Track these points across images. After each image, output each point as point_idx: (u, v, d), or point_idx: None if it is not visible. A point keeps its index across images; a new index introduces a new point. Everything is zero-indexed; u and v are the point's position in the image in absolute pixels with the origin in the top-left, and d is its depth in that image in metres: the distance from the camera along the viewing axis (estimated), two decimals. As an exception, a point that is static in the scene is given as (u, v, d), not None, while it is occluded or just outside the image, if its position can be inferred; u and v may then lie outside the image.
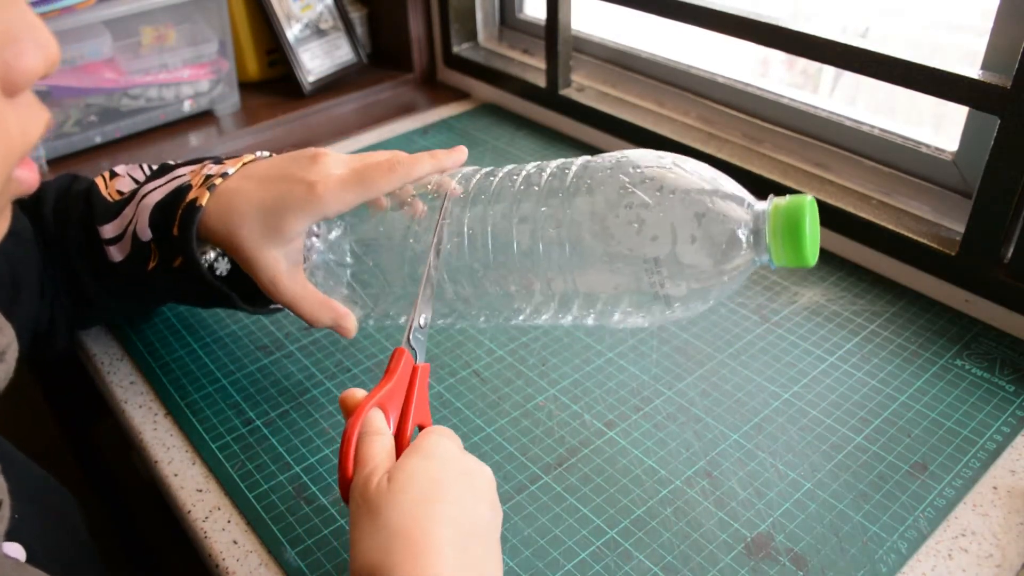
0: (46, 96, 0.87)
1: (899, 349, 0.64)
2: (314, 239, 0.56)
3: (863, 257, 0.73)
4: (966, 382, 0.60)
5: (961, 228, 0.66)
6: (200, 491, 0.55)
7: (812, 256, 0.44)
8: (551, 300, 0.52)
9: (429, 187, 0.55)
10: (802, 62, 0.97)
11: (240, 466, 0.56)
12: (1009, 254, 0.64)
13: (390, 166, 0.52)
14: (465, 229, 0.52)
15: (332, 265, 0.57)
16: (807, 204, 0.44)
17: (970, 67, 0.62)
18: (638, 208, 0.46)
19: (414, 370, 0.47)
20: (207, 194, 0.54)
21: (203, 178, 0.56)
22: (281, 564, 0.49)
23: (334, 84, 1.07)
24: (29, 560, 0.40)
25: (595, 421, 0.59)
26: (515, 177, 0.53)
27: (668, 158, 0.49)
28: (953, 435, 0.56)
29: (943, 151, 0.71)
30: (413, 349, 0.48)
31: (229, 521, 0.53)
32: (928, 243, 0.68)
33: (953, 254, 0.66)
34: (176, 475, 0.56)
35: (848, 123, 0.77)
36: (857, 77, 0.68)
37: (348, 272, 0.57)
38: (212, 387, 0.62)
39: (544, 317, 0.54)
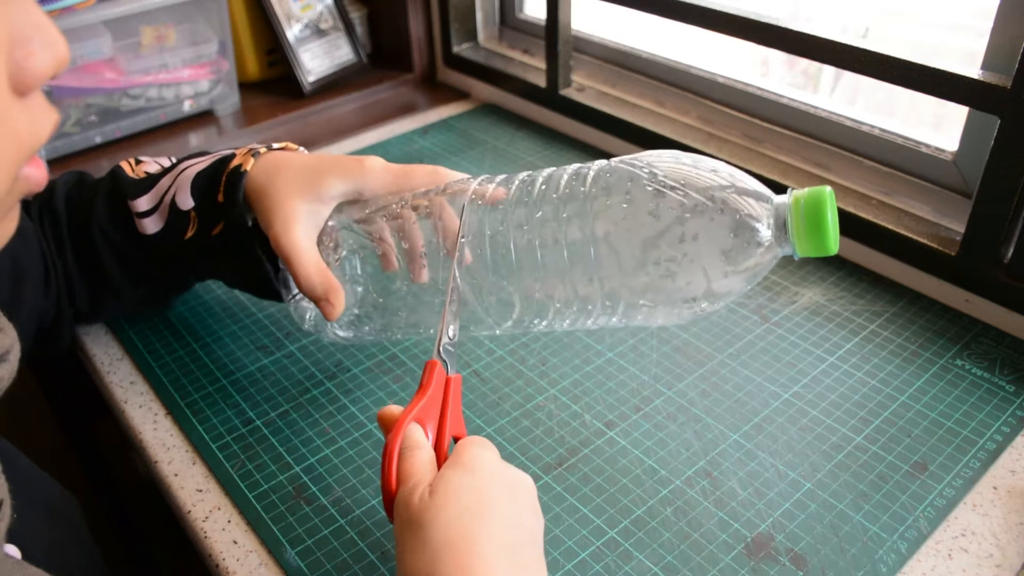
0: (46, 96, 0.87)
1: (899, 349, 0.64)
2: (334, 251, 0.56)
3: (863, 257, 0.73)
4: (966, 382, 0.60)
5: (961, 228, 0.66)
6: (200, 491, 0.55)
7: (835, 245, 0.45)
8: (578, 307, 0.52)
9: (424, 205, 0.56)
10: (802, 62, 0.97)
11: (240, 466, 0.56)
12: (1009, 254, 0.64)
13: (433, 169, 0.55)
14: (487, 243, 0.52)
15: (344, 281, 0.57)
16: (828, 195, 0.44)
17: (970, 67, 0.62)
18: (669, 220, 0.46)
19: (447, 382, 0.47)
20: (252, 160, 0.56)
21: (248, 150, 0.57)
22: (281, 564, 0.49)
23: (334, 84, 1.07)
24: (33, 561, 0.40)
25: (595, 421, 0.59)
26: (537, 186, 0.52)
27: (686, 159, 0.49)
28: (953, 435, 0.56)
29: (943, 151, 0.71)
30: (444, 361, 0.48)
31: (229, 521, 0.53)
32: (928, 243, 0.68)
33: (953, 254, 0.66)
34: (176, 475, 0.56)
35: (848, 123, 0.77)
36: (857, 77, 0.68)
37: (360, 289, 0.57)
38: (212, 387, 0.62)
39: (566, 323, 0.54)
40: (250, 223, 0.57)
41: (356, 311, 0.57)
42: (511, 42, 1.09)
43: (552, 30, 0.92)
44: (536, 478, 0.54)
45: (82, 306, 0.62)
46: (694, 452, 0.56)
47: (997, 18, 0.63)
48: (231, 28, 0.98)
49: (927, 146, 0.72)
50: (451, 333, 0.49)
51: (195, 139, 0.96)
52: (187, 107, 0.98)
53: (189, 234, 0.58)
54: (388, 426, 0.45)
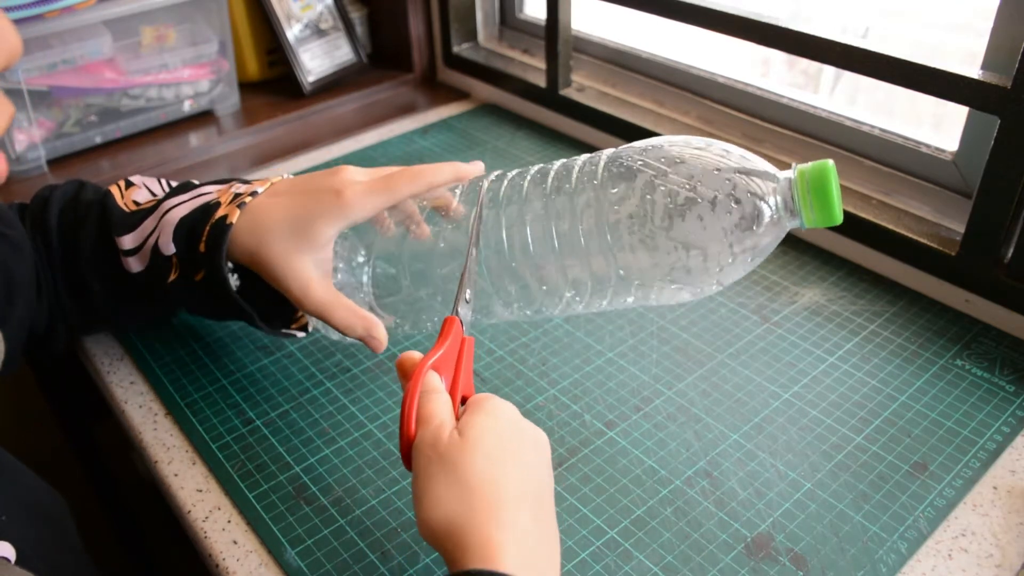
0: (46, 96, 0.87)
1: (899, 349, 0.64)
2: (339, 265, 0.56)
3: (863, 257, 0.73)
4: (966, 382, 0.60)
5: (961, 228, 0.66)
6: (200, 491, 0.55)
7: (840, 214, 0.47)
8: (593, 289, 0.53)
9: (424, 202, 0.56)
10: (802, 62, 0.97)
11: (240, 466, 0.56)
12: (1009, 254, 0.64)
13: (413, 173, 0.54)
14: (503, 231, 0.53)
15: (355, 291, 0.57)
16: (831, 168, 0.47)
17: (970, 67, 0.62)
18: (681, 207, 0.48)
19: (462, 341, 0.48)
20: (237, 212, 0.54)
21: (232, 196, 0.56)
22: (281, 564, 0.49)
23: (334, 84, 1.07)
24: (19, 562, 0.40)
25: (595, 421, 0.59)
26: (546, 175, 0.54)
27: (696, 142, 0.50)
28: (953, 435, 0.56)
29: (943, 151, 0.71)
30: (461, 320, 0.48)
31: (229, 521, 0.53)
32: (928, 243, 0.68)
33: (953, 254, 0.66)
34: (176, 475, 0.56)
35: (848, 123, 0.77)
36: (857, 77, 0.68)
37: (372, 297, 0.58)
38: (212, 387, 0.62)
39: (581, 307, 0.55)
40: (230, 268, 0.57)
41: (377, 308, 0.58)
42: (511, 42, 1.09)
43: (552, 30, 0.92)
44: (536, 478, 0.54)
45: (73, 321, 0.62)
46: (694, 452, 0.56)
47: (997, 18, 0.63)
48: (231, 28, 0.98)
49: (927, 146, 0.72)
50: (467, 296, 0.49)
51: (195, 139, 0.96)
52: (187, 107, 0.98)
53: (172, 278, 0.57)
54: (407, 371, 0.46)
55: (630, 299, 0.53)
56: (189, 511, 0.53)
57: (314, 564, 0.49)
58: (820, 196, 0.47)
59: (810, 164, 0.47)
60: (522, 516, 0.39)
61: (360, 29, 1.12)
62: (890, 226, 0.70)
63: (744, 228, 0.48)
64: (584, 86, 0.97)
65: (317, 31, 1.06)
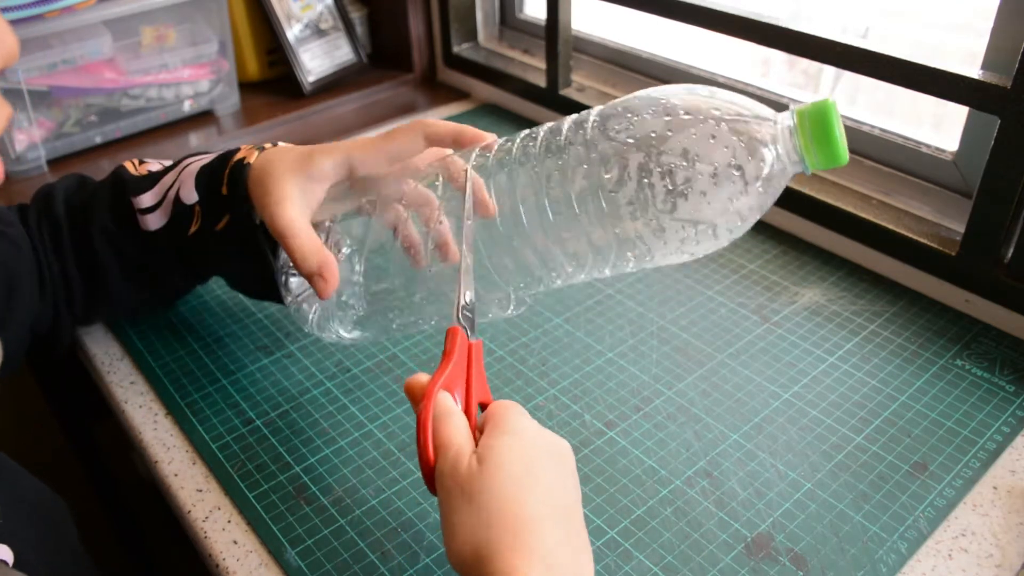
0: (46, 96, 0.87)
1: (899, 349, 0.64)
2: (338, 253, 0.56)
3: (863, 257, 0.73)
4: (966, 382, 0.60)
5: (961, 228, 0.66)
6: (200, 491, 0.55)
7: (845, 154, 0.46)
8: (592, 261, 0.51)
9: (438, 179, 0.55)
10: (802, 62, 0.97)
11: (240, 466, 0.56)
12: (1009, 254, 0.64)
13: (412, 125, 0.54)
14: (494, 199, 0.52)
15: (346, 285, 0.57)
16: (832, 105, 0.45)
17: (970, 67, 0.62)
18: (683, 185, 0.46)
19: (469, 348, 0.47)
20: (255, 154, 0.56)
21: (253, 146, 0.58)
22: (281, 564, 0.49)
23: (334, 84, 1.07)
24: (17, 564, 0.40)
25: (595, 421, 0.59)
26: (535, 140, 0.52)
27: (701, 90, 0.48)
28: (953, 435, 0.56)
29: (943, 151, 0.71)
30: (464, 327, 0.47)
31: (229, 521, 0.53)
32: (928, 243, 0.68)
33: (953, 254, 0.66)
34: (176, 475, 0.56)
35: (848, 123, 0.77)
36: (857, 77, 0.68)
37: (362, 291, 0.57)
38: (212, 387, 0.62)
39: (582, 276, 0.53)
40: (257, 221, 0.57)
41: (360, 311, 0.57)
42: (511, 42, 1.09)
43: (552, 30, 0.92)
44: (536, 478, 0.54)
45: (78, 311, 0.62)
46: (694, 452, 0.56)
47: (997, 18, 0.63)
48: (231, 28, 0.98)
49: (927, 146, 0.72)
50: (467, 299, 0.48)
51: (195, 139, 0.96)
52: (187, 107, 0.98)
53: (193, 229, 0.57)
54: (416, 395, 0.45)
55: (648, 259, 0.51)
56: (189, 511, 0.53)
57: (314, 564, 0.49)
58: (823, 137, 0.45)
59: (809, 104, 0.45)
60: (548, 538, 0.38)
61: (360, 29, 1.12)
62: (890, 226, 0.70)
63: (749, 188, 0.46)
64: (584, 86, 0.97)
65: (317, 31, 1.06)
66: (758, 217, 0.48)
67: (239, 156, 0.56)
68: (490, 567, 0.37)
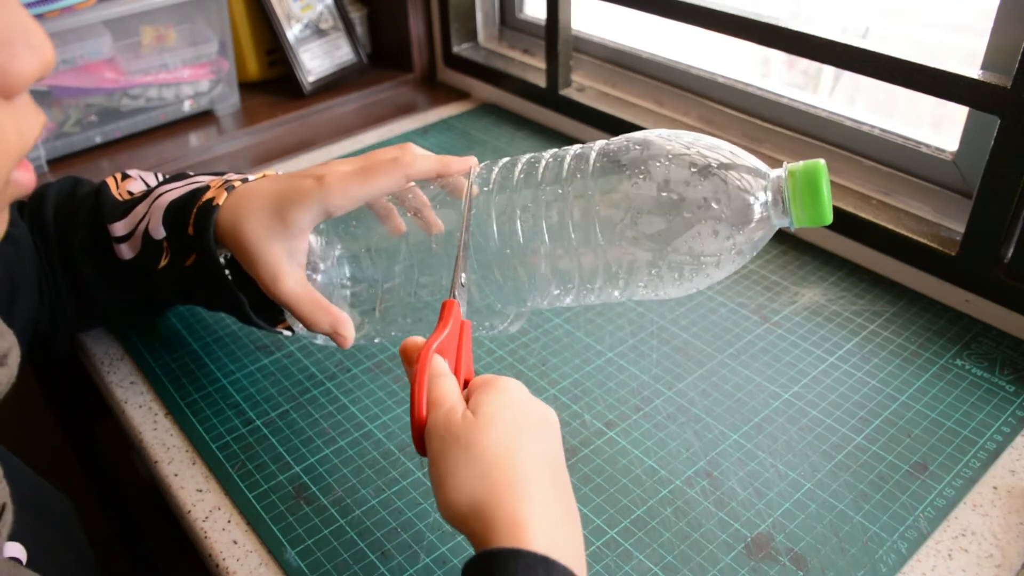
0: (46, 96, 0.87)
1: (899, 349, 0.64)
2: (320, 265, 0.56)
3: (863, 257, 0.73)
4: (966, 382, 0.60)
5: (961, 228, 0.66)
6: (200, 491, 0.55)
7: (830, 214, 0.47)
8: (579, 281, 0.53)
9: (433, 186, 0.55)
10: (802, 62, 0.97)
11: (240, 466, 0.56)
12: (1009, 254, 0.64)
13: (393, 161, 0.53)
14: (493, 226, 0.53)
15: (334, 289, 0.57)
16: (822, 167, 0.46)
17: (970, 67, 0.62)
18: (670, 201, 0.48)
19: (461, 325, 0.47)
20: (224, 195, 0.54)
21: (223, 182, 0.56)
22: (281, 564, 0.49)
23: (334, 84, 1.07)
24: (30, 564, 0.40)
25: (595, 421, 0.59)
26: (537, 166, 0.53)
27: (686, 137, 0.50)
28: (953, 435, 0.56)
29: (943, 151, 0.71)
30: (459, 302, 0.48)
31: (229, 521, 0.53)
32: (928, 243, 0.68)
33: (953, 254, 0.66)
34: (176, 475, 0.56)
35: (848, 123, 0.77)
36: (857, 77, 0.68)
37: (349, 293, 0.57)
38: (212, 387, 0.62)
39: (568, 300, 0.54)
40: (224, 259, 0.56)
41: (357, 316, 0.57)
42: (511, 42, 1.09)
43: (552, 30, 0.92)
44: (536, 478, 0.54)
45: (70, 315, 0.62)
46: (694, 452, 0.56)
47: (997, 18, 0.63)
48: (231, 28, 0.98)
49: (927, 146, 0.72)
50: (463, 279, 0.49)
51: (195, 139, 0.96)
52: (187, 107, 0.98)
53: (163, 263, 0.57)
54: (411, 356, 0.46)
55: (616, 293, 0.53)
56: (189, 511, 0.53)
57: (314, 564, 0.49)
58: (811, 196, 0.46)
59: (801, 163, 0.47)
60: (544, 490, 0.39)
61: (360, 29, 1.12)
62: (890, 226, 0.70)
63: (734, 228, 0.47)
64: (584, 86, 0.97)
65: (317, 31, 1.06)
66: (734, 263, 0.49)
67: (208, 196, 0.55)
68: (490, 517, 0.38)
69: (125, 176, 0.62)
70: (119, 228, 0.57)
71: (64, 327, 0.62)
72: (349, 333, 0.54)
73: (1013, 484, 0.53)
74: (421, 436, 0.43)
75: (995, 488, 0.53)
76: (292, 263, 0.53)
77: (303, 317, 0.53)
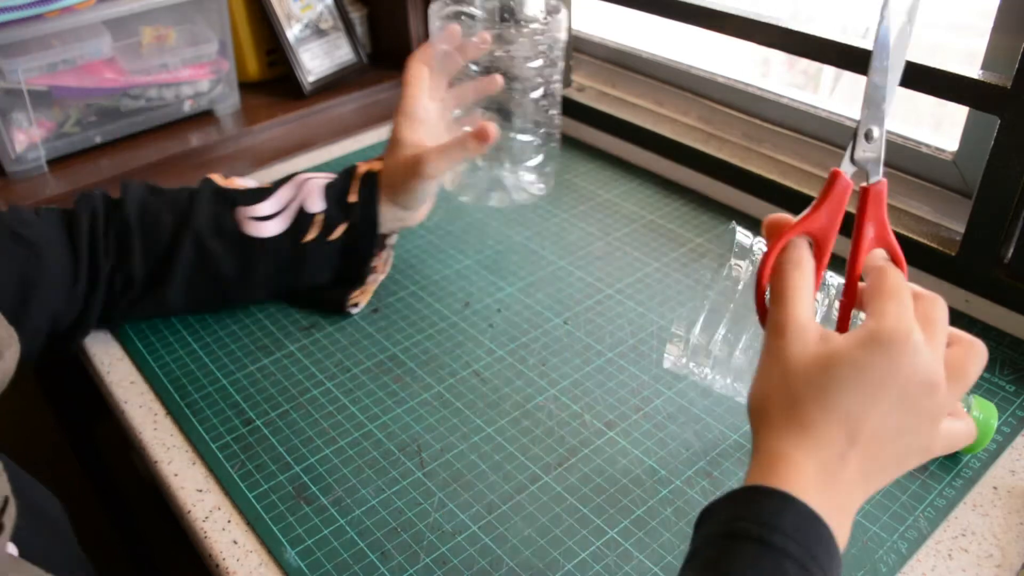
0: (46, 96, 0.87)
1: (899, 349, 0.64)
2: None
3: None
4: (966, 382, 0.60)
5: (961, 228, 0.66)
6: (200, 491, 0.55)
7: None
8: None
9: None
10: (802, 62, 0.97)
11: (240, 466, 0.56)
12: (1009, 254, 0.64)
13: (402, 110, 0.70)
14: None
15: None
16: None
17: (970, 67, 0.62)
18: None
19: (866, 192, 0.41)
20: (378, 164, 0.68)
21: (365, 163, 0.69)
22: (281, 564, 0.49)
23: (334, 84, 1.07)
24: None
25: (595, 421, 0.59)
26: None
27: None
28: (953, 435, 0.56)
29: (943, 151, 0.71)
30: (862, 168, 0.41)
31: (229, 521, 0.53)
32: (928, 243, 0.68)
33: (953, 254, 0.66)
34: (176, 475, 0.56)
35: (848, 123, 0.77)
36: (857, 77, 0.68)
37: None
38: (212, 387, 0.62)
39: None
40: (381, 229, 0.68)
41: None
42: (511, 42, 1.09)
43: (552, 30, 0.92)
44: (536, 478, 0.54)
45: (116, 311, 0.64)
46: (694, 452, 0.56)
47: (997, 18, 0.63)
48: (231, 28, 0.98)
49: (927, 146, 0.72)
50: (876, 133, 0.42)
51: (195, 139, 0.96)
52: (187, 107, 0.98)
53: (309, 237, 0.65)
54: (773, 234, 0.41)
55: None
56: (189, 511, 0.53)
57: (314, 564, 0.49)
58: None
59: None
60: (833, 447, 0.35)
61: (360, 29, 1.12)
62: (890, 226, 0.70)
63: None
64: (584, 86, 0.97)
65: (317, 31, 1.06)
66: None
67: (364, 169, 0.68)
68: (766, 431, 0.37)
69: (227, 176, 0.69)
70: (265, 208, 0.65)
71: (87, 326, 0.63)
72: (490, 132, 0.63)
73: (1013, 484, 0.53)
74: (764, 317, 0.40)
75: (995, 488, 0.53)
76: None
77: (439, 156, 0.64)
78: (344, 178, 0.67)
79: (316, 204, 0.66)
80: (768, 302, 0.40)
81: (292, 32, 1.03)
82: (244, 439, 0.58)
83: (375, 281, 0.71)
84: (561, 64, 0.75)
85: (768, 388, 0.38)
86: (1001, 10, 0.62)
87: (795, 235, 0.40)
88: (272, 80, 1.08)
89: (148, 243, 0.63)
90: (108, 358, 0.66)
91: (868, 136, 0.41)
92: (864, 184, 0.41)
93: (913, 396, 0.37)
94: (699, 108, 0.89)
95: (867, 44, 0.66)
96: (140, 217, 0.63)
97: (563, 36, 0.73)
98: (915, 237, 0.69)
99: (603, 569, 0.48)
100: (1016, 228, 0.63)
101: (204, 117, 1.00)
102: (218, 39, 0.97)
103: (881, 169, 0.41)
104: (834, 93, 0.98)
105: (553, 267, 0.75)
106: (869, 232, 0.41)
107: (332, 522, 0.52)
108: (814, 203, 0.41)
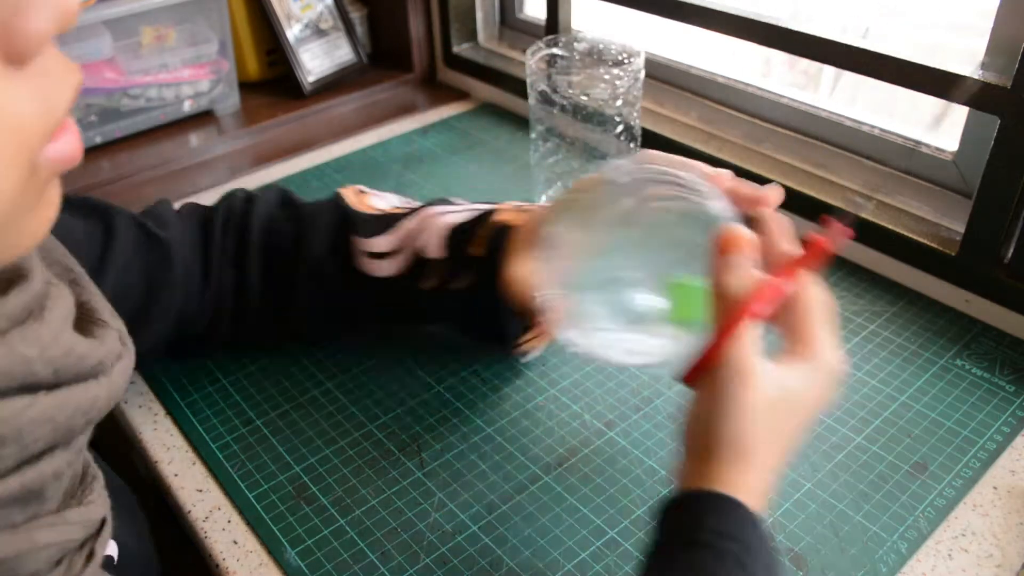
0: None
1: (899, 349, 0.64)
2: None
3: (863, 257, 0.73)
4: (966, 382, 0.60)
5: (961, 228, 0.66)
6: (200, 491, 0.55)
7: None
8: None
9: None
10: (803, 62, 0.97)
11: (240, 466, 0.56)
12: (1009, 254, 0.64)
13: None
14: None
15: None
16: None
17: (970, 67, 0.62)
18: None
19: (815, 244, 0.42)
20: (521, 217, 0.54)
21: (515, 206, 0.56)
22: (281, 564, 0.49)
23: (334, 84, 1.07)
24: (120, 559, 0.39)
25: (595, 421, 0.59)
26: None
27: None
28: (953, 435, 0.56)
29: (943, 151, 0.71)
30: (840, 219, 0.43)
31: (229, 521, 0.53)
32: (928, 243, 0.68)
33: (953, 254, 0.66)
34: (176, 475, 0.56)
35: (848, 123, 0.77)
36: (857, 77, 0.68)
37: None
38: (212, 387, 0.62)
39: None
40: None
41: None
42: (511, 42, 1.09)
43: (552, 30, 0.92)
44: (536, 478, 0.54)
45: (243, 329, 0.61)
46: (694, 452, 0.56)
47: (997, 18, 0.63)
48: (231, 28, 0.98)
49: (927, 146, 0.72)
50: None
51: (195, 139, 0.96)
52: (187, 107, 0.98)
53: (430, 283, 0.56)
54: (732, 302, 0.40)
55: None
56: (189, 511, 0.53)
57: (314, 564, 0.49)
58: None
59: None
60: (767, 475, 0.39)
61: (360, 29, 1.12)
62: (890, 226, 0.70)
63: None
64: (584, 86, 0.97)
65: (317, 31, 1.06)
66: None
67: (501, 218, 0.54)
68: (711, 466, 0.38)
69: (362, 191, 0.62)
70: (380, 243, 0.57)
71: (223, 332, 0.61)
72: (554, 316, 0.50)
73: (1013, 484, 0.53)
74: (696, 377, 0.40)
75: (995, 488, 0.53)
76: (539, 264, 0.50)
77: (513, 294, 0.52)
78: (479, 219, 0.55)
79: (436, 248, 0.55)
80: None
81: (292, 32, 1.03)
82: (244, 439, 0.58)
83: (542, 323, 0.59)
84: (639, 104, 0.75)
85: (722, 429, 0.39)
86: (1001, 10, 0.62)
87: (754, 313, 0.39)
88: (272, 80, 1.08)
89: (266, 258, 0.59)
90: (108, 358, 0.66)
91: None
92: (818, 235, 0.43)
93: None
94: (699, 108, 0.89)
95: (867, 44, 0.66)
96: (263, 233, 0.59)
97: (641, 77, 0.74)
98: (915, 237, 0.69)
99: (603, 569, 0.48)
100: (1016, 228, 0.63)
101: (204, 117, 1.00)
102: (218, 39, 0.97)
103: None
104: (834, 93, 0.98)
105: (553, 267, 0.74)
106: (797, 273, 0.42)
107: (332, 522, 0.52)
108: (787, 267, 0.41)
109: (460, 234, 0.55)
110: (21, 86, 0.22)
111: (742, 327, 0.39)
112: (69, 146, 0.25)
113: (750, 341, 0.39)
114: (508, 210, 0.55)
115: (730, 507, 0.37)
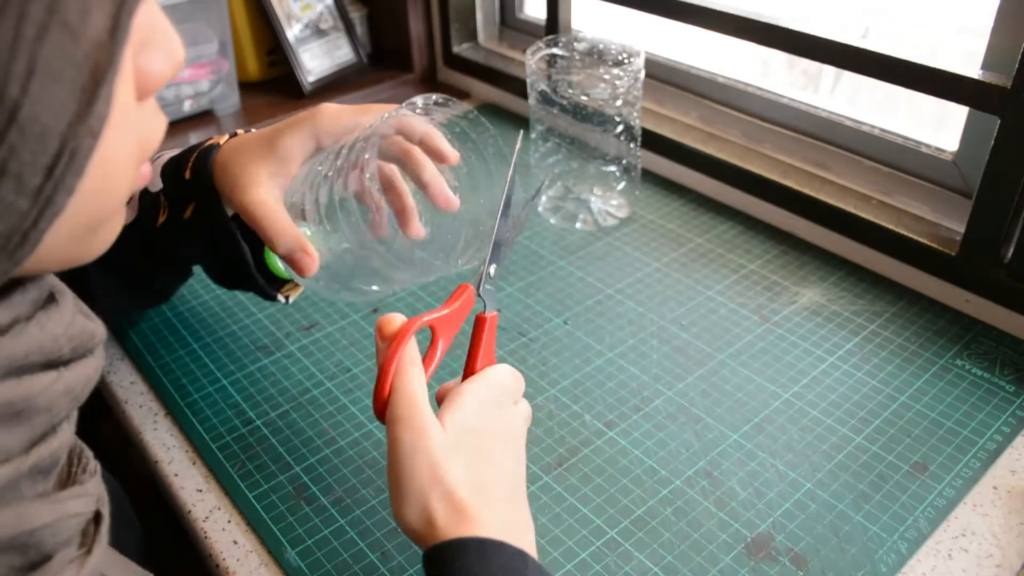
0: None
1: (899, 349, 0.64)
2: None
3: (863, 257, 0.73)
4: (966, 382, 0.60)
5: (961, 228, 0.66)
6: (200, 491, 0.55)
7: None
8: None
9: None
10: (803, 62, 0.97)
11: (240, 466, 0.56)
12: (1009, 254, 0.64)
13: (390, 118, 0.53)
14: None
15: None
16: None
17: (970, 67, 0.62)
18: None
19: (481, 320, 0.48)
20: (226, 137, 0.56)
21: (230, 134, 0.58)
22: (281, 564, 0.49)
23: (334, 84, 1.07)
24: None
25: (595, 421, 0.59)
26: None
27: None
28: (953, 435, 0.56)
29: (943, 151, 0.71)
30: (482, 299, 0.48)
31: (229, 521, 0.53)
32: (928, 243, 0.68)
33: (953, 254, 0.66)
34: (176, 475, 0.56)
35: (848, 123, 0.77)
36: (857, 77, 0.68)
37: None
38: (212, 387, 0.62)
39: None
40: (229, 211, 0.55)
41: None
42: (511, 42, 1.09)
43: (552, 30, 0.92)
44: (536, 478, 0.54)
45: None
46: (694, 452, 0.56)
47: (997, 18, 0.63)
48: (231, 28, 0.98)
49: (927, 146, 0.72)
50: (492, 271, 0.49)
51: (195, 139, 0.96)
52: (187, 107, 0.98)
53: (161, 219, 0.56)
54: (385, 333, 0.44)
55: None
56: (189, 511, 0.53)
57: (314, 564, 0.49)
58: None
59: None
60: (499, 511, 0.41)
61: (360, 29, 1.12)
62: (890, 226, 0.70)
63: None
64: (584, 86, 0.97)
65: (317, 31, 1.06)
66: None
67: (208, 142, 0.56)
68: (439, 528, 0.40)
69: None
70: None
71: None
72: (311, 257, 0.51)
73: (1013, 484, 0.53)
74: (382, 412, 0.43)
75: (995, 488, 0.53)
76: (270, 180, 0.52)
77: (264, 229, 0.51)
78: (190, 150, 0.57)
79: (156, 182, 0.57)
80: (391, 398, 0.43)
81: (292, 32, 1.03)
82: (244, 439, 0.58)
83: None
84: (639, 104, 0.76)
85: (424, 486, 0.40)
86: (1001, 10, 0.62)
87: (411, 333, 0.44)
88: (272, 80, 1.08)
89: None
90: (108, 358, 0.66)
91: (490, 274, 0.49)
92: (481, 312, 0.48)
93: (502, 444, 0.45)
94: (699, 108, 0.89)
95: (867, 44, 0.66)
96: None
97: (641, 77, 0.75)
98: (915, 237, 0.69)
99: (603, 569, 0.49)
100: (1016, 228, 0.63)
101: (204, 117, 1.00)
102: (218, 39, 0.97)
103: (495, 303, 0.49)
104: (834, 93, 0.98)
105: (553, 267, 0.75)
106: (480, 351, 0.47)
107: (332, 522, 0.52)
108: (440, 306, 0.47)
109: (173, 164, 0.57)
110: (142, 115, 0.28)
111: (400, 361, 0.43)
112: (148, 171, 0.31)
113: (412, 383, 0.43)
114: (218, 136, 0.57)
115: (487, 549, 0.39)
